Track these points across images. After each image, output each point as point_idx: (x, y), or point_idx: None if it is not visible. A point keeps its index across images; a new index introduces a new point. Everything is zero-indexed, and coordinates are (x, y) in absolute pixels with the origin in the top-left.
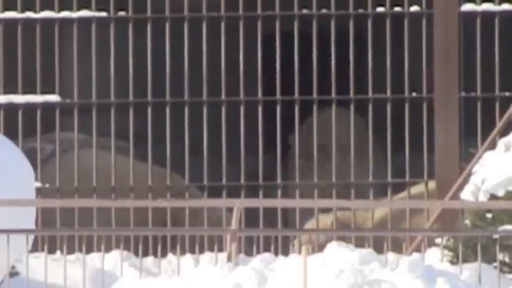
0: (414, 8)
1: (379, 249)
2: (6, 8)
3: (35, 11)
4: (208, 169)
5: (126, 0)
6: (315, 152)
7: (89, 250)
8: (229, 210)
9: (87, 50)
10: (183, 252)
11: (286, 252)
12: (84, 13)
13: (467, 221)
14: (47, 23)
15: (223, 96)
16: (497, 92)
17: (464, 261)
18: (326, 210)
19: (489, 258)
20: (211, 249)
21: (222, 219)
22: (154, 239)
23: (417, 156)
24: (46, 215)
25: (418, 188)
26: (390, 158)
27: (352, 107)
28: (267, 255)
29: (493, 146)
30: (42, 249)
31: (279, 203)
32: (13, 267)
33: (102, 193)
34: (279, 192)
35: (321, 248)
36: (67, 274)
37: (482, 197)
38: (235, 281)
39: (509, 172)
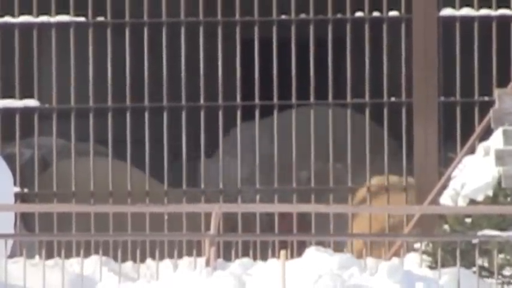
0: (393, 13)
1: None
2: None
3: (14, 16)
4: (187, 173)
5: (105, 6)
6: (293, 157)
7: (68, 255)
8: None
9: (66, 54)
10: (161, 257)
11: (264, 257)
12: (63, 18)
13: (446, 226)
14: (26, 27)
15: (201, 101)
16: (476, 97)
17: (443, 266)
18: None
19: (468, 263)
20: (190, 254)
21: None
22: (133, 244)
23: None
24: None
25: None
26: (369, 163)
27: (330, 112)
28: (246, 260)
29: (472, 151)
30: (21, 254)
31: (257, 207)
32: None
33: (81, 198)
34: (258, 197)
35: None
36: (46, 279)
37: (462, 202)
38: (213, 286)
39: (489, 177)
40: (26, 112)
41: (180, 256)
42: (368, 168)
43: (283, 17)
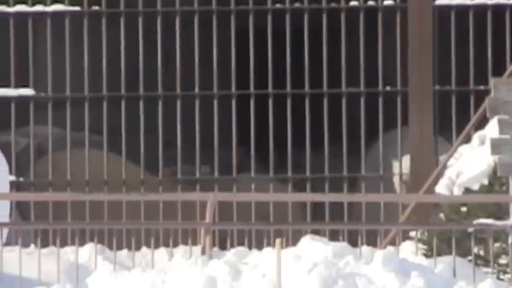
0: (388, 2)
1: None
2: None
3: (9, 5)
4: (182, 162)
5: None
6: (289, 146)
7: (63, 243)
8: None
9: (61, 44)
10: (157, 245)
11: (260, 246)
12: (58, 7)
13: (441, 215)
14: (21, 17)
15: (196, 90)
16: (471, 86)
17: (439, 254)
18: None
19: (463, 252)
20: (185, 243)
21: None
22: (128, 232)
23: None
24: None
25: None
26: (364, 152)
27: (325, 100)
28: (241, 249)
29: (467, 140)
30: (16, 243)
31: (252, 196)
32: None
33: (76, 187)
34: (253, 186)
35: None
36: (41, 268)
37: (457, 191)
38: (209, 274)
39: (484, 166)
40: (22, 101)
41: (175, 245)
42: (363, 157)
43: (277, 6)
